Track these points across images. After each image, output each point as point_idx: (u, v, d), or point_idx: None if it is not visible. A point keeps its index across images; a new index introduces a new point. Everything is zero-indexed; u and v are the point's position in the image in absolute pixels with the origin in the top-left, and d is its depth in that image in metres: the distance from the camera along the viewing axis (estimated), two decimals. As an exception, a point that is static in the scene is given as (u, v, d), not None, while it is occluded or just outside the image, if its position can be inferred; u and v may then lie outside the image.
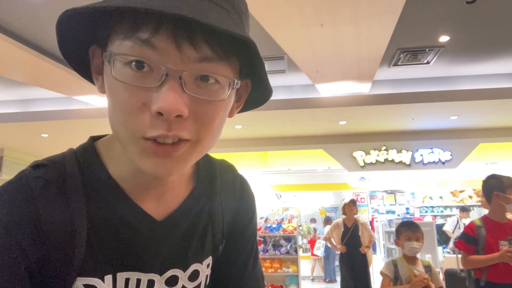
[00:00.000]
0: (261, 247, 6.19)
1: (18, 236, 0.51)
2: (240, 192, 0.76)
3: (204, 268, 0.68)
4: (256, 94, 0.64)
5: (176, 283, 0.64)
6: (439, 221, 9.71)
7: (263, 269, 5.97)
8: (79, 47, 0.57)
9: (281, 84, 6.41)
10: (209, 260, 0.69)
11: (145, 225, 0.60)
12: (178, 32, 0.47)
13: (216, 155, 0.83)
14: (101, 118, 6.30)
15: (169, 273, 0.63)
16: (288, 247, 6.15)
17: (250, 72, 0.58)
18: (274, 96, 5.96)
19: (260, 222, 7.04)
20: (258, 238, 4.69)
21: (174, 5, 0.44)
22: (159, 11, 0.43)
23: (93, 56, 0.57)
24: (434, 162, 8.12)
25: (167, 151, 0.50)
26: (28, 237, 0.52)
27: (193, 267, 0.66)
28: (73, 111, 6.68)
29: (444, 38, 4.81)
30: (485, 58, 5.53)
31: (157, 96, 0.47)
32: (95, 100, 6.50)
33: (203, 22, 0.44)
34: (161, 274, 0.62)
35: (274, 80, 6.21)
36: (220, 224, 0.70)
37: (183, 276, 0.64)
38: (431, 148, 8.14)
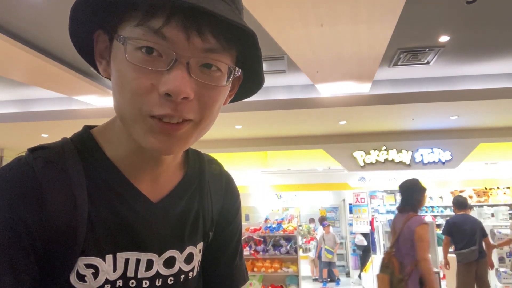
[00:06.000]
0: (261, 247, 6.18)
1: (22, 212, 0.52)
2: (226, 184, 0.79)
3: (198, 252, 0.70)
4: (247, 85, 0.68)
5: (173, 264, 0.65)
6: (439, 221, 9.71)
7: (263, 269, 5.98)
8: (85, 31, 0.60)
9: (281, 84, 6.41)
10: (200, 245, 0.72)
11: (142, 206, 0.62)
12: (188, 23, 0.51)
13: (216, 155, 0.83)
14: (101, 118, 6.30)
15: (167, 253, 0.64)
16: (288, 247, 6.14)
17: (243, 63, 0.62)
18: (274, 96, 5.91)
19: (260, 222, 7.04)
20: (258, 238, 4.66)
21: None
22: (172, 1, 0.48)
23: (97, 40, 0.60)
24: (434, 162, 8.12)
25: (171, 129, 0.54)
26: (32, 214, 0.53)
27: (188, 249, 0.68)
28: (73, 111, 6.68)
29: (444, 38, 4.81)
30: (485, 58, 5.53)
31: (166, 79, 0.51)
32: (95, 100, 6.50)
33: (213, 12, 0.49)
34: (159, 254, 0.63)
35: (274, 80, 6.21)
36: (209, 210, 0.73)
37: (180, 258, 0.66)
38: (431, 148, 8.14)
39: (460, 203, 5.63)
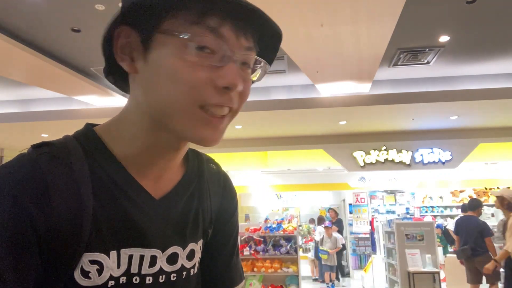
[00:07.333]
0: (261, 247, 6.18)
1: (27, 208, 0.52)
2: (224, 183, 0.81)
3: (198, 249, 0.71)
4: None
5: (176, 261, 0.66)
6: (439, 221, 9.72)
7: (263, 269, 5.98)
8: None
9: (281, 84, 6.41)
10: (201, 242, 0.73)
11: (145, 203, 0.63)
12: (237, 23, 0.57)
13: (217, 155, 0.84)
14: (101, 118, 6.28)
15: (170, 250, 0.65)
16: (288, 247, 6.14)
17: None
18: (274, 96, 5.89)
19: (260, 222, 7.04)
20: (258, 238, 4.66)
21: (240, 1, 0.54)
22: (238, 2, 0.54)
23: (119, 36, 0.60)
24: (434, 162, 8.12)
25: (218, 122, 0.59)
26: (37, 210, 0.52)
27: (190, 246, 0.69)
28: (73, 111, 6.69)
29: (444, 38, 4.82)
30: (485, 58, 5.53)
31: (223, 73, 0.56)
32: (95, 100, 6.50)
33: (265, 15, 0.56)
34: (163, 250, 0.64)
35: (274, 80, 6.22)
36: (208, 208, 0.74)
37: (182, 254, 0.67)
38: (431, 148, 8.14)
39: (462, 206, 6.40)
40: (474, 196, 10.00)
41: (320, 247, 8.27)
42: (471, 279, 5.55)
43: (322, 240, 8.33)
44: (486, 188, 10.11)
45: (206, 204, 0.74)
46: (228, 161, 8.51)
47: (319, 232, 8.65)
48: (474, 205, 5.81)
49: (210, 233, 0.75)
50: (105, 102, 6.57)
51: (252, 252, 6.11)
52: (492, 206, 9.61)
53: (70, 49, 4.92)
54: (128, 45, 0.60)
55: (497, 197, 4.97)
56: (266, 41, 0.63)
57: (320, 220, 9.25)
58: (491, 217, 9.45)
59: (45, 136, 7.59)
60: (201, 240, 0.73)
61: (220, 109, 0.58)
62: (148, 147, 0.62)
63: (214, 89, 0.56)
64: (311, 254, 9.13)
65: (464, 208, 7.47)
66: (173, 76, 0.56)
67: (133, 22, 0.58)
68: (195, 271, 0.71)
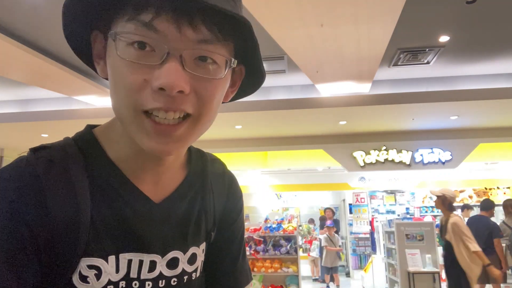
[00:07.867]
0: (261, 247, 6.18)
1: (24, 214, 0.51)
2: (229, 184, 0.79)
3: (201, 253, 0.70)
4: (249, 81, 0.67)
5: (176, 265, 0.65)
6: (439, 221, 9.71)
7: (263, 269, 5.98)
8: (81, 32, 0.60)
9: (281, 84, 6.41)
10: (203, 245, 0.71)
11: (144, 207, 0.62)
12: (178, 14, 0.50)
13: (216, 155, 0.83)
14: (101, 118, 6.30)
15: (170, 254, 0.64)
16: (288, 247, 6.14)
17: (244, 59, 0.60)
18: (274, 96, 5.88)
19: (260, 222, 7.04)
20: (258, 238, 4.64)
21: None
22: None
23: (95, 41, 0.60)
24: (434, 162, 8.12)
25: (167, 130, 0.53)
26: (34, 216, 0.52)
27: (191, 250, 0.67)
28: (73, 111, 6.68)
29: (444, 38, 4.81)
30: (485, 58, 5.53)
31: (159, 73, 0.50)
32: (95, 100, 6.50)
33: (203, 2, 0.47)
34: (163, 255, 0.63)
35: (274, 80, 6.21)
36: (212, 210, 0.72)
37: (183, 259, 0.66)
38: (431, 148, 8.14)
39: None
40: (474, 196, 10.01)
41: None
42: (479, 279, 5.58)
43: (330, 240, 8.30)
44: (486, 188, 10.10)
45: (209, 206, 0.72)
46: (228, 161, 8.44)
47: (323, 237, 8.55)
48: (488, 206, 5.82)
49: (213, 235, 0.74)
50: (105, 102, 6.57)
51: (252, 252, 6.10)
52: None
53: (70, 49, 4.91)
54: (103, 49, 0.59)
55: (438, 196, 4.70)
56: (235, 31, 0.55)
57: (322, 220, 9.25)
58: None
59: (45, 136, 7.59)
60: (204, 243, 0.71)
61: (165, 114, 0.52)
62: (134, 151, 0.61)
63: (151, 91, 0.51)
64: (315, 253, 9.11)
65: (464, 208, 7.48)
66: (113, 79, 0.54)
67: (98, 25, 0.58)
68: (197, 275, 0.70)
